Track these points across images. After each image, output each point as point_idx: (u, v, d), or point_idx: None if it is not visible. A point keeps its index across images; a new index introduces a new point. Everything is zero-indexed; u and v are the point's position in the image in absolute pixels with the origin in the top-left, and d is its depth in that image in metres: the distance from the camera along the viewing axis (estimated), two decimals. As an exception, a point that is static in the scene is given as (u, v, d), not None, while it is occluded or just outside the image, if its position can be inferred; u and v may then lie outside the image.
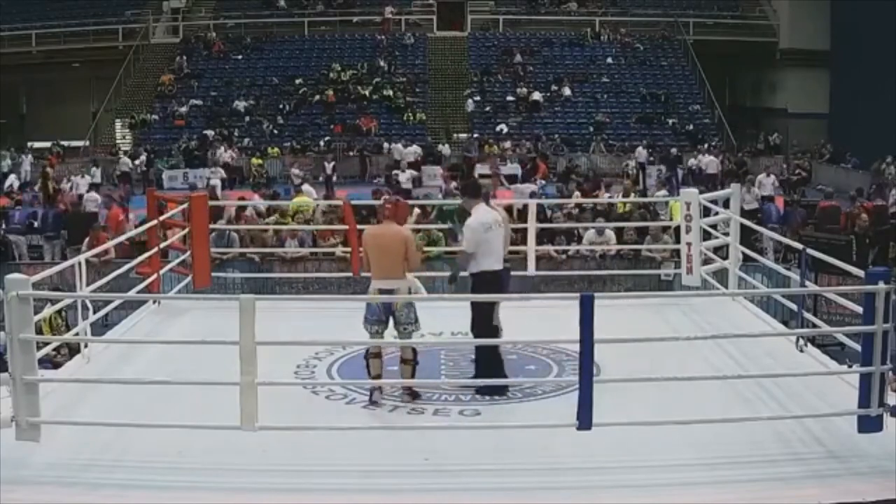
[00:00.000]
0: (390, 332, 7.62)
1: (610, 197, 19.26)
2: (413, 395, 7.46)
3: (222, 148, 32.22)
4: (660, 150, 33.11)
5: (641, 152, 32.01)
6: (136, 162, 31.99)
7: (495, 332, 7.54)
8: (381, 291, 7.41)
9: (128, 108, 37.06)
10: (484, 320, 7.56)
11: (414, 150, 32.03)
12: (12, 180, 28.06)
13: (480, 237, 7.64)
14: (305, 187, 20.62)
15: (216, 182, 28.56)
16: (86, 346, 8.32)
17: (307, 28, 40.33)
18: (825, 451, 6.40)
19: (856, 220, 16.15)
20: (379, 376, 7.40)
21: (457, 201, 16.41)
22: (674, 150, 32.73)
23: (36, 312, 6.42)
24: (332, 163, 30.59)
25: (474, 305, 7.64)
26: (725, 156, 32.86)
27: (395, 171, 28.13)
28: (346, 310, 9.59)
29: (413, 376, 7.41)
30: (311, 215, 15.54)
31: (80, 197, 22.36)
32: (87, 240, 14.31)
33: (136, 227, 14.54)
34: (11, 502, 5.63)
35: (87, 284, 8.14)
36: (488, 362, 7.58)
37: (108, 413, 6.66)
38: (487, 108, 36.68)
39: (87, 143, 36.61)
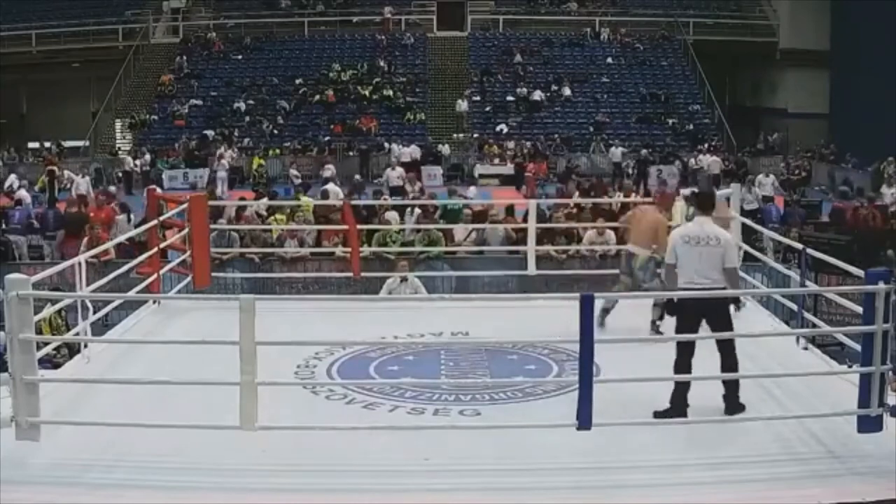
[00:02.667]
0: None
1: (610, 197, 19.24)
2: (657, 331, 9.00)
3: (222, 148, 32.23)
4: (654, 151, 33.16)
5: (615, 152, 32.12)
6: (138, 162, 32.06)
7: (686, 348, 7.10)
8: (628, 254, 9.66)
9: (128, 108, 37.09)
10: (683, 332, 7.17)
11: (411, 151, 32.02)
12: (12, 180, 28.11)
13: (676, 249, 7.32)
14: (331, 186, 20.62)
15: (223, 175, 28.86)
16: (86, 346, 8.32)
17: (307, 28, 40.35)
18: (825, 451, 6.40)
19: (869, 220, 16.14)
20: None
21: (461, 201, 16.57)
22: (644, 151, 32.66)
23: (36, 312, 6.42)
24: (332, 165, 30.48)
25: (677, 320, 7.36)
26: (725, 156, 32.92)
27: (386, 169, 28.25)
28: (346, 310, 9.66)
29: (661, 318, 8.99)
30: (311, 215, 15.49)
31: (81, 197, 22.40)
32: (86, 240, 14.29)
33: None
34: (11, 502, 5.63)
35: (87, 284, 8.14)
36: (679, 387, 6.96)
37: (108, 413, 6.66)
38: (487, 108, 36.69)
39: (87, 143, 36.62)
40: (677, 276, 7.29)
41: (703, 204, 7.65)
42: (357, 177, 28.64)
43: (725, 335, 7.10)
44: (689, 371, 6.92)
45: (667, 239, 8.38)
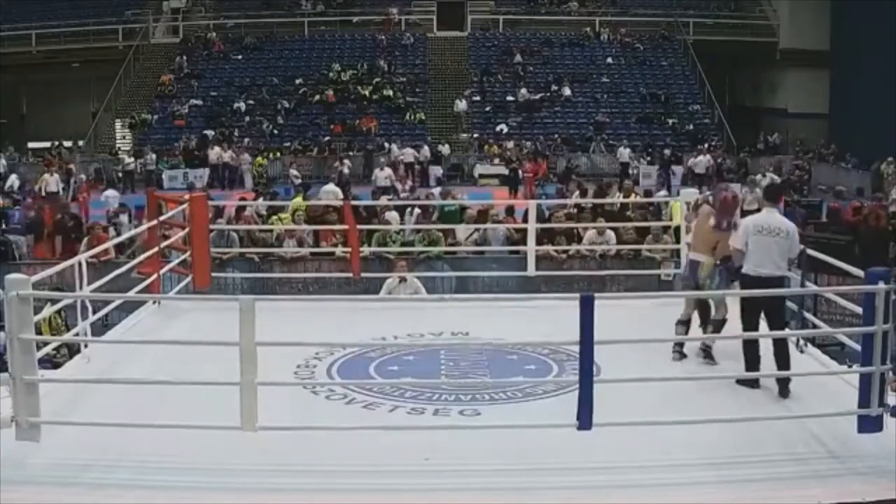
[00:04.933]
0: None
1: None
2: (707, 354, 8.24)
3: (217, 147, 32.30)
4: (654, 151, 33.19)
5: (623, 152, 32.14)
6: (140, 161, 32.09)
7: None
8: (692, 262, 8.62)
9: (128, 108, 37.08)
10: (749, 320, 7.70)
11: (411, 152, 32.06)
12: (13, 180, 28.17)
13: (748, 236, 7.67)
14: (330, 186, 20.65)
15: (247, 167, 30.48)
16: (86, 346, 8.32)
17: (307, 28, 40.35)
18: (825, 451, 6.39)
19: (871, 220, 16.14)
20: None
21: (457, 202, 16.57)
22: (667, 152, 32.78)
23: (36, 312, 6.42)
24: (347, 163, 30.80)
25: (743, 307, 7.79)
26: (725, 156, 32.92)
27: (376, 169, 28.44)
28: (346, 310, 9.65)
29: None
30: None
31: (51, 195, 22.60)
32: (86, 240, 14.30)
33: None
34: (11, 502, 5.63)
35: (87, 284, 8.14)
36: (752, 359, 7.59)
37: (108, 413, 6.66)
38: (487, 108, 36.69)
39: (79, 144, 36.58)
40: (741, 262, 7.69)
41: (771, 194, 8.14)
42: (344, 171, 29.03)
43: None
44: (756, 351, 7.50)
45: (727, 243, 8.46)
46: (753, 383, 7.45)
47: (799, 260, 8.66)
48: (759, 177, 24.64)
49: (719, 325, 8.50)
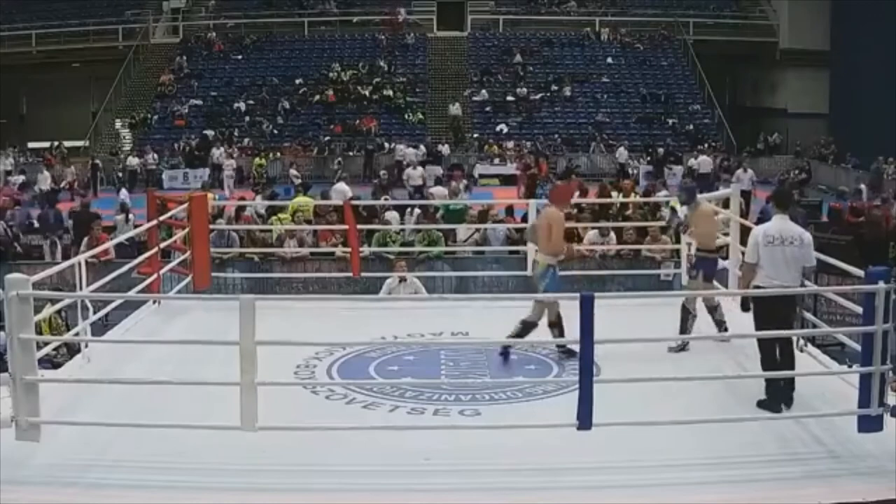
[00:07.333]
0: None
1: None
2: (568, 353, 8.02)
3: (223, 149, 32.26)
4: (654, 151, 33.20)
5: (622, 152, 32.14)
6: (140, 160, 32.12)
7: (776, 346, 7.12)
8: (533, 261, 8.53)
9: (128, 108, 37.07)
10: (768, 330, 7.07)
11: (414, 152, 32.06)
12: (17, 180, 28.22)
13: (759, 248, 7.15)
14: (341, 185, 20.57)
15: (230, 173, 30.22)
16: (86, 345, 8.32)
17: (307, 28, 40.34)
18: (825, 451, 6.40)
19: (888, 220, 16.17)
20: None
21: (463, 201, 16.57)
22: (661, 150, 32.74)
23: (36, 312, 6.41)
24: (338, 160, 30.99)
25: (758, 319, 7.21)
26: (725, 156, 32.92)
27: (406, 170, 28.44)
28: (346, 310, 9.66)
29: (562, 336, 8.11)
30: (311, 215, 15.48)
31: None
32: (85, 239, 14.29)
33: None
34: (11, 502, 5.63)
35: (87, 284, 8.14)
36: (771, 378, 7.03)
37: (108, 413, 6.66)
38: (487, 109, 36.68)
39: (87, 143, 36.62)
40: (753, 276, 7.19)
41: (781, 201, 7.49)
42: (334, 167, 29.07)
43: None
44: (775, 361, 7.06)
45: (561, 238, 8.32)
46: (778, 405, 6.95)
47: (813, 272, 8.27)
48: (739, 171, 24.98)
49: (529, 326, 8.36)
